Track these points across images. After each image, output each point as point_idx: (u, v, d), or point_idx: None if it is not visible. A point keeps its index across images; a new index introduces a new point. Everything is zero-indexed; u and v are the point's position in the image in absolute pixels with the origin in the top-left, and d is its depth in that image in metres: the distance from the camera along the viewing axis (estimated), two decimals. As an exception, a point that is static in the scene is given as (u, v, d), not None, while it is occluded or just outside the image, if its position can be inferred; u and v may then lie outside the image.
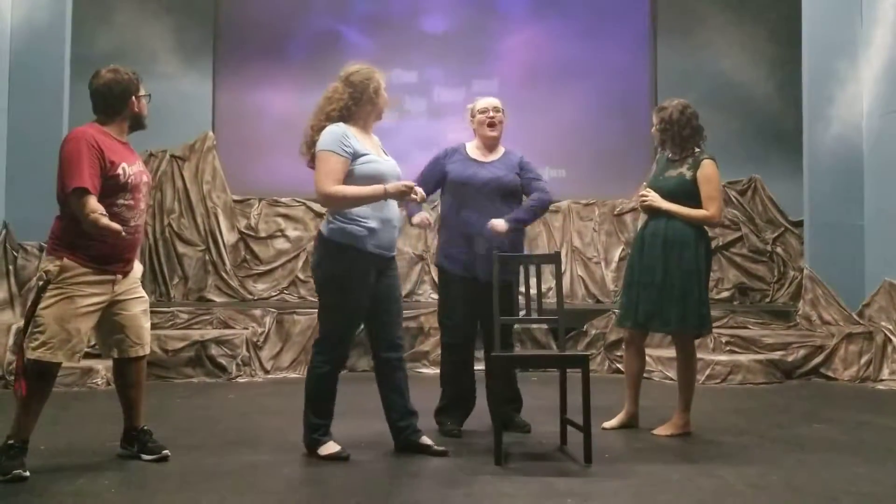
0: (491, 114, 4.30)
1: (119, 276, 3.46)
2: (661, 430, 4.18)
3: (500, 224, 4.09)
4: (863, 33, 6.73)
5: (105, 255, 3.38)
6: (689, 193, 4.15)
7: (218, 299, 7.76)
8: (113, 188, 3.37)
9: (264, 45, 8.41)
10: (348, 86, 3.65)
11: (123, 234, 3.23)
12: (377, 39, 8.46)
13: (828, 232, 6.76)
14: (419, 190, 3.61)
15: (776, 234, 8.40)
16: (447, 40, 8.56)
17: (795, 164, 7.28)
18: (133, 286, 3.57)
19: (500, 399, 3.84)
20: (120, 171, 3.38)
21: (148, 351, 3.67)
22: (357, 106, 3.65)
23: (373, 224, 3.55)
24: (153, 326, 6.40)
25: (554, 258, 4.11)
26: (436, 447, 3.69)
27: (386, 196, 3.52)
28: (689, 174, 4.17)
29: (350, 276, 3.55)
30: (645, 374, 6.21)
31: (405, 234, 8.13)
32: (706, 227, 4.25)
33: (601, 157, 8.28)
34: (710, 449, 3.88)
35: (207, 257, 7.97)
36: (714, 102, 8.50)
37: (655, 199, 4.19)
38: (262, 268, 8.13)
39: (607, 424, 4.26)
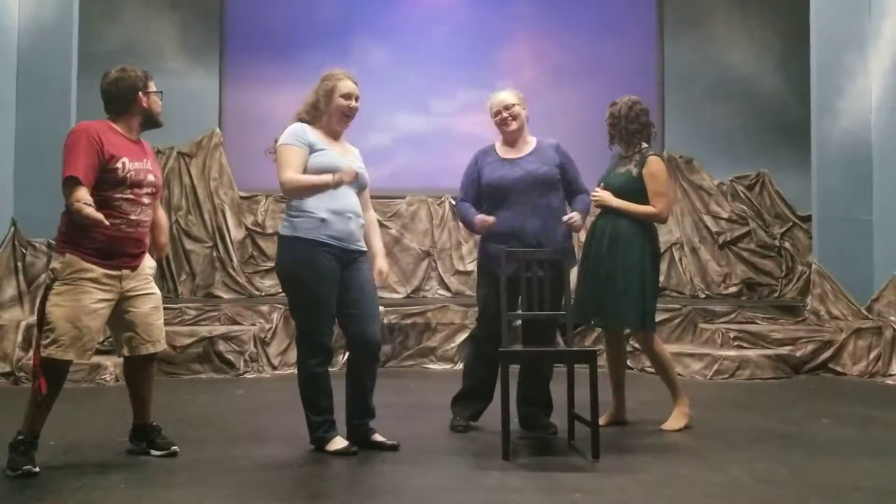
0: (503, 114, 4.23)
1: (125, 271, 3.47)
2: (669, 425, 4.19)
3: (577, 220, 4.08)
4: (871, 25, 6.69)
5: (105, 251, 3.39)
6: (635, 191, 4.17)
7: (225, 296, 7.78)
8: (111, 181, 3.38)
9: (271, 40, 8.41)
10: (315, 87, 3.77)
11: (107, 223, 3.21)
12: (384, 38, 8.46)
13: (836, 226, 6.74)
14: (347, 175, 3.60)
15: (784, 229, 8.37)
16: (455, 40, 8.54)
17: (803, 158, 7.25)
18: (143, 282, 3.57)
19: (509, 393, 3.81)
20: (119, 164, 3.39)
21: (160, 348, 3.67)
22: (316, 109, 3.74)
23: (322, 215, 3.58)
24: (161, 323, 6.51)
25: (559, 254, 4.11)
26: (387, 442, 3.71)
27: (333, 182, 3.54)
28: (635, 171, 4.20)
29: (309, 267, 3.57)
30: (650, 370, 6.24)
31: (411, 230, 8.14)
32: (654, 225, 4.26)
33: (608, 152, 8.24)
34: (718, 444, 3.87)
35: (215, 254, 7.99)
36: (721, 96, 8.51)
37: (605, 196, 4.22)
38: (270, 264, 8.13)
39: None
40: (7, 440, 3.34)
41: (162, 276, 7.81)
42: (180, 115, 7.82)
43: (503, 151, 4.28)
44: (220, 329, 6.38)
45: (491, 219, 4.11)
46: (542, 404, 4.22)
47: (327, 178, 3.56)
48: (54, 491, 3.06)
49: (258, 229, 8.19)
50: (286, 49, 8.37)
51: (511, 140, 4.28)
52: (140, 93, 3.53)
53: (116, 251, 3.42)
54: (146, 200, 3.52)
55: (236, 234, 8.09)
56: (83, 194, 3.22)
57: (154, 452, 3.59)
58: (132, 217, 3.44)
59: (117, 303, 3.47)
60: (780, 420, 4.51)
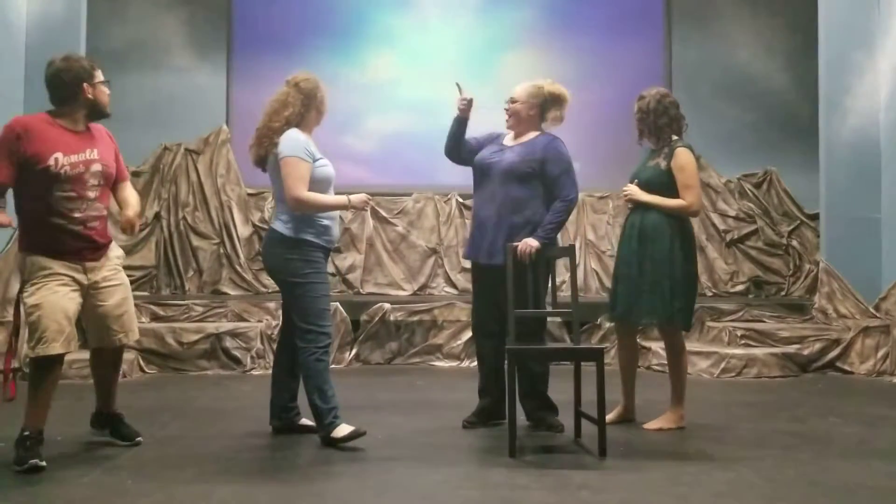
0: (506, 106, 4.30)
1: (88, 264, 3.43)
2: (653, 424, 4.14)
3: (523, 248, 3.93)
4: (880, 22, 6.65)
5: (56, 250, 3.36)
6: (664, 184, 4.13)
7: (232, 292, 7.79)
8: (45, 179, 3.31)
9: (279, 38, 8.41)
10: (299, 92, 3.91)
11: (11, 224, 3.27)
12: (390, 38, 8.45)
13: (844, 225, 6.71)
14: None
15: (792, 227, 8.34)
16: (461, 39, 8.52)
17: (811, 156, 7.22)
18: (111, 273, 3.52)
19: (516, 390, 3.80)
20: (51, 161, 3.30)
21: (133, 338, 3.63)
22: (306, 112, 3.91)
23: (326, 221, 3.82)
24: (168, 319, 6.54)
25: (568, 251, 4.10)
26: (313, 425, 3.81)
27: (349, 207, 3.84)
28: (663, 164, 4.16)
29: (317, 266, 3.78)
30: (658, 368, 6.23)
31: (418, 227, 8.15)
32: (685, 219, 4.19)
33: (615, 149, 8.20)
34: (725, 442, 3.86)
35: (222, 250, 8.00)
36: (729, 94, 8.47)
37: (634, 192, 4.19)
38: (276, 261, 8.14)
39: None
40: (14, 436, 3.36)
41: (169, 273, 7.84)
42: (188, 111, 7.86)
43: (507, 139, 4.32)
44: (226, 325, 6.40)
45: (468, 97, 4.22)
46: (538, 400, 4.16)
47: (343, 200, 3.79)
48: (62, 485, 3.07)
49: (265, 226, 8.19)
50: (294, 46, 8.36)
51: (514, 133, 4.32)
52: (85, 84, 3.43)
53: (68, 250, 3.38)
54: (92, 194, 3.41)
55: (243, 230, 8.10)
56: None
57: (119, 442, 3.60)
58: (76, 215, 3.36)
59: (87, 296, 3.44)
60: (788, 419, 4.50)
